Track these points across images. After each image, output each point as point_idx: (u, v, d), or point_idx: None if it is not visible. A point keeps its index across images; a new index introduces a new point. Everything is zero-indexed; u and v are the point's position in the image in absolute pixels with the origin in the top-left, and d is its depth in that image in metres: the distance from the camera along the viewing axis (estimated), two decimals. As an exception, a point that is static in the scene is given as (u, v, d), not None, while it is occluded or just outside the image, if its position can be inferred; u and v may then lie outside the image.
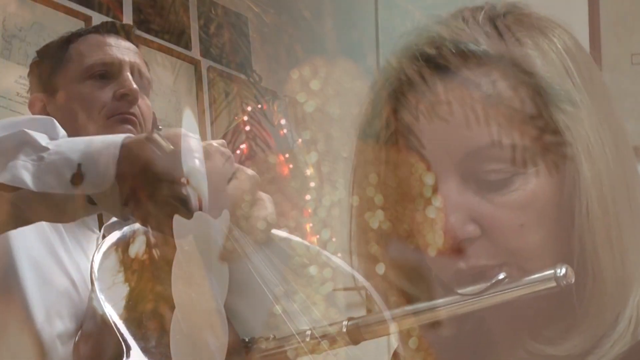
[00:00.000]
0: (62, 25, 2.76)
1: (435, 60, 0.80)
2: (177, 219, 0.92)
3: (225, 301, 0.90)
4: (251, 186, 0.97)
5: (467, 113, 0.78)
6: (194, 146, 0.95)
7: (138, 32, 1.83)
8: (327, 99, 0.86)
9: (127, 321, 1.09)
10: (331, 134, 0.89)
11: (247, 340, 0.88)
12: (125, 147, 0.99)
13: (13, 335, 1.43)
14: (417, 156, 0.80)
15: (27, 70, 1.77)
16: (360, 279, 0.88)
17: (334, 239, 0.95)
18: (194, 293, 0.90)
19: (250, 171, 0.95)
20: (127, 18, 3.00)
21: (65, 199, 1.01)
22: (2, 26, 2.64)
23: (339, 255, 0.98)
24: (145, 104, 1.68)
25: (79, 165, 0.95)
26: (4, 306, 1.44)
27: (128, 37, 1.73)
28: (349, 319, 0.81)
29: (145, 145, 0.97)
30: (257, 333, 0.91)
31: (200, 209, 0.93)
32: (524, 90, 0.79)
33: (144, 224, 0.97)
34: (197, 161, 1.29)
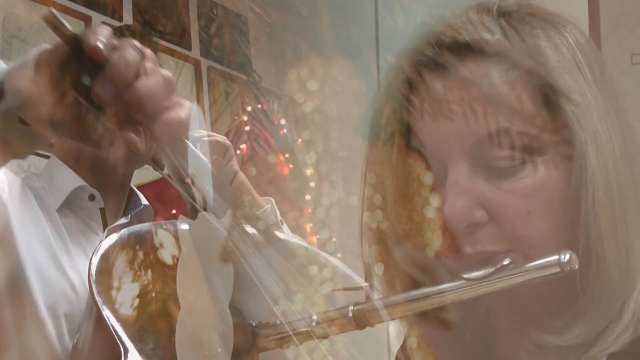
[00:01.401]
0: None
1: (450, 48, 0.81)
2: (183, 220, 0.92)
3: (231, 299, 0.90)
4: (165, 88, 0.89)
5: (480, 102, 0.79)
6: (199, 145, 0.93)
7: (155, 39, 1.81)
8: (325, 99, 0.86)
9: (125, 323, 1.09)
10: (329, 134, 0.89)
11: (253, 324, 0.88)
12: (39, 57, 0.92)
13: (26, 337, 1.43)
14: (424, 146, 0.81)
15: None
16: (359, 279, 0.88)
17: (333, 239, 0.95)
18: (199, 294, 0.90)
19: (166, 72, 0.88)
20: (128, 18, 3.00)
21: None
22: (2, 26, 2.64)
23: (339, 255, 0.98)
24: None
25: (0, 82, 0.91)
26: (17, 308, 1.44)
27: (146, 43, 1.71)
28: (355, 304, 0.82)
29: (54, 50, 0.90)
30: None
31: (205, 209, 0.93)
32: (535, 80, 0.80)
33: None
34: (202, 161, 1.28)
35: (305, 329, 0.83)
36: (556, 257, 0.76)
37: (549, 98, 0.80)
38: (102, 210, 1.63)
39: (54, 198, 1.60)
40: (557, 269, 0.76)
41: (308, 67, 0.83)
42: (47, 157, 1.77)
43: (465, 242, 0.80)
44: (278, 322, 0.86)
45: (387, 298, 0.83)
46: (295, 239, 1.50)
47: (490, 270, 0.78)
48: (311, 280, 0.89)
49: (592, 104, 0.80)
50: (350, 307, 0.82)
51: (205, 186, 0.96)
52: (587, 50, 0.83)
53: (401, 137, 0.83)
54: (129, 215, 1.65)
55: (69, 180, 1.62)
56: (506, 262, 0.78)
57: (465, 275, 0.79)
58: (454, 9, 0.86)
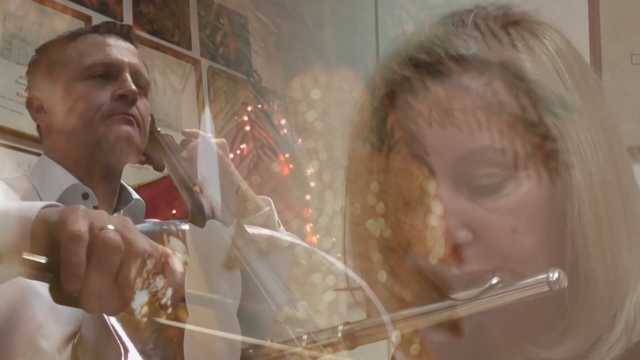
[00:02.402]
0: (62, 25, 2.76)
1: (425, 65, 0.80)
2: (191, 227, 0.92)
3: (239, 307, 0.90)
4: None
5: (458, 117, 0.78)
6: (208, 154, 0.94)
7: (137, 32, 1.82)
8: (329, 107, 0.86)
9: (125, 324, 1.09)
10: (333, 143, 0.89)
11: (250, 350, 0.88)
12: (36, 222, 0.96)
13: (27, 340, 1.42)
14: (410, 162, 0.80)
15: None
16: (358, 280, 0.88)
17: (335, 245, 0.95)
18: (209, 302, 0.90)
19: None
20: (128, 19, 3.00)
21: None
22: (2, 26, 2.64)
23: (339, 255, 0.99)
24: (143, 105, 1.68)
25: None
26: (17, 312, 1.43)
27: (127, 37, 1.73)
28: (345, 324, 0.82)
29: (53, 215, 0.94)
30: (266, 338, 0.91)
31: (213, 217, 0.93)
32: (514, 94, 0.79)
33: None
34: (211, 169, 1.28)
35: (296, 349, 0.83)
36: (544, 276, 0.75)
37: (529, 111, 0.78)
38: (96, 208, 1.63)
39: (47, 198, 1.59)
40: (546, 288, 0.75)
41: (312, 76, 0.83)
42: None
43: (452, 262, 0.78)
44: (269, 340, 0.85)
45: (375, 318, 0.82)
46: (292, 240, 1.50)
47: (479, 290, 0.77)
48: (315, 288, 0.89)
49: (575, 115, 0.78)
50: (340, 327, 0.81)
51: (213, 195, 0.96)
52: (567, 57, 0.82)
53: (391, 142, 0.82)
54: (121, 211, 1.65)
55: (62, 178, 1.62)
56: (494, 281, 0.77)
57: (453, 296, 0.78)
58: (431, 22, 0.84)
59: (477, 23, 0.82)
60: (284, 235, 1.55)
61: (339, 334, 0.81)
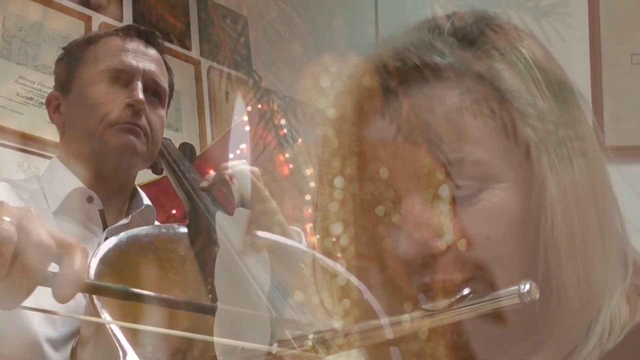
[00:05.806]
0: (62, 25, 2.76)
1: (399, 73, 0.78)
2: (220, 215, 0.93)
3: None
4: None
5: (432, 128, 0.76)
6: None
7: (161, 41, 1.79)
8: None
9: (124, 327, 1.09)
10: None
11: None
12: None
13: (10, 342, 1.42)
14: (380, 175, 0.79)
15: (27, 70, 1.76)
16: (355, 281, 0.87)
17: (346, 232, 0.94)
18: (237, 286, 0.90)
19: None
20: (127, 19, 3.00)
21: None
22: (2, 26, 2.64)
23: (339, 255, 0.99)
24: (156, 115, 1.66)
25: None
26: (14, 313, 1.43)
27: (150, 42, 1.71)
28: (315, 333, 0.80)
29: None
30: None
31: (242, 205, 0.94)
32: (490, 105, 0.77)
33: None
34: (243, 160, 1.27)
35: (268, 357, 0.81)
36: (515, 287, 0.73)
37: (504, 123, 0.76)
38: (101, 211, 1.63)
39: (52, 200, 1.60)
40: (517, 300, 0.72)
41: (321, 64, 0.82)
42: (49, 157, 1.77)
43: (425, 272, 0.77)
44: (239, 349, 0.84)
45: (346, 328, 0.80)
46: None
47: (450, 300, 0.75)
48: (327, 274, 0.88)
49: (551, 126, 0.77)
50: (310, 336, 0.79)
51: (244, 184, 0.98)
52: (544, 66, 0.80)
53: (364, 150, 0.80)
54: (130, 216, 1.65)
55: (67, 182, 1.62)
56: (466, 292, 0.76)
57: (424, 306, 0.76)
58: (405, 28, 0.82)
59: (455, 31, 0.80)
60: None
61: (309, 343, 0.79)
